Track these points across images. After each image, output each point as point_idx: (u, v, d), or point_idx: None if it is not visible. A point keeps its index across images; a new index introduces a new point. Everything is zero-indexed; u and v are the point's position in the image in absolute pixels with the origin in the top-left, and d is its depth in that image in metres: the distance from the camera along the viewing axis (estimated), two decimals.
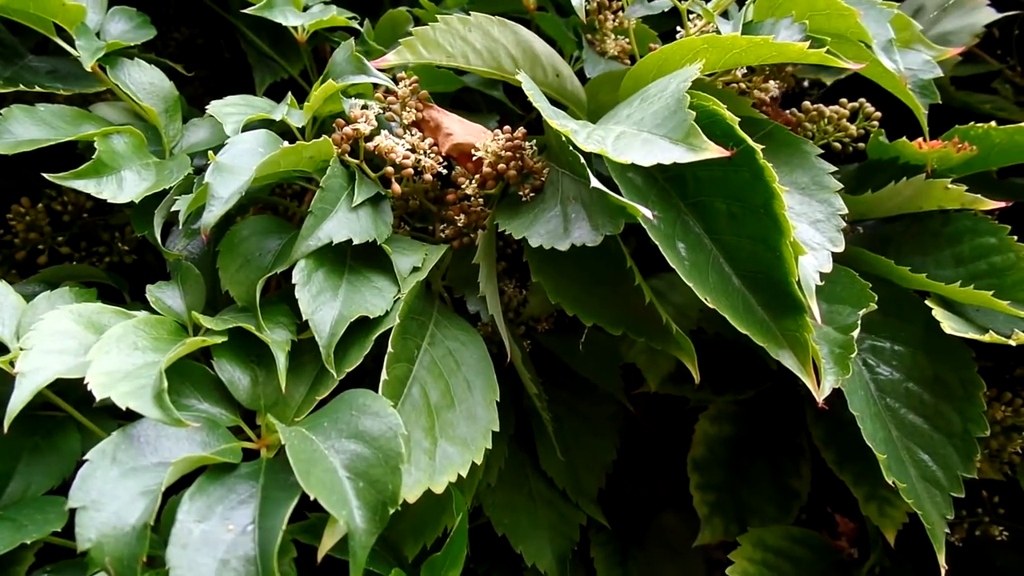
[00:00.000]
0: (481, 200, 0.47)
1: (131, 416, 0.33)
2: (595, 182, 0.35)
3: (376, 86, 0.48)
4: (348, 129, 0.44)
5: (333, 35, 0.62)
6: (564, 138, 0.37)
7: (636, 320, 0.41)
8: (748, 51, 0.41)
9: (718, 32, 0.47)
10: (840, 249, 0.38)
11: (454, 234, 0.48)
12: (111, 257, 0.57)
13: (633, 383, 0.56)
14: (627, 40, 0.60)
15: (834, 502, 0.56)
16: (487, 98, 0.56)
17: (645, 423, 0.65)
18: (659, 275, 0.51)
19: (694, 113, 0.34)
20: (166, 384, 0.33)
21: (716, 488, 0.54)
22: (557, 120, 0.38)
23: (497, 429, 0.40)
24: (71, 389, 0.40)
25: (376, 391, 0.37)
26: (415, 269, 0.43)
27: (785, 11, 0.45)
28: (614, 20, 0.60)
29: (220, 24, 0.75)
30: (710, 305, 0.35)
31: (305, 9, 0.59)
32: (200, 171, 0.51)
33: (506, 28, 0.47)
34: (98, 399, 0.32)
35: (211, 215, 0.37)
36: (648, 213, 0.33)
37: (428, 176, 0.46)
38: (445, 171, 0.47)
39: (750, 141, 0.35)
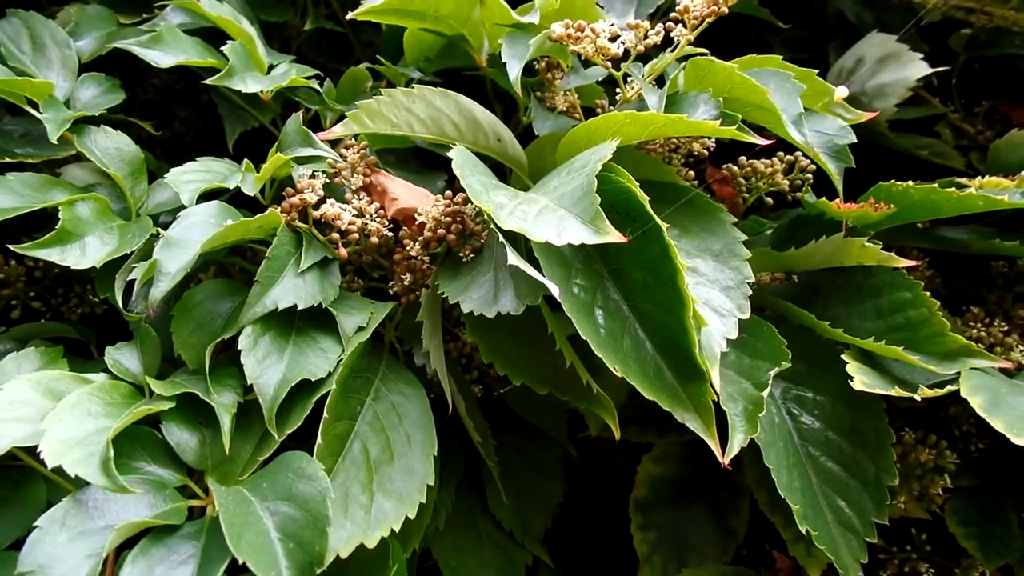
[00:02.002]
0: (426, 259, 0.50)
1: None
2: (512, 259, 0.38)
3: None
4: (295, 199, 0.47)
5: (297, 92, 0.65)
6: (487, 215, 0.40)
7: (561, 380, 0.44)
8: (666, 126, 0.44)
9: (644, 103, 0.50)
10: (746, 316, 0.41)
11: (402, 291, 0.51)
12: (83, 308, 0.60)
13: (582, 426, 0.59)
14: (576, 95, 0.63)
15: (772, 539, 0.58)
16: (437, 156, 0.59)
17: (616, 455, 0.68)
18: None
19: (599, 198, 0.36)
20: (112, 453, 0.35)
21: (657, 527, 0.56)
22: (483, 197, 0.41)
23: (432, 483, 0.43)
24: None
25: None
26: (360, 328, 0.46)
27: (707, 83, 0.48)
28: (562, 77, 0.63)
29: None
30: (618, 374, 0.38)
31: (270, 69, 0.62)
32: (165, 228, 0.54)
33: (448, 98, 0.50)
34: (50, 467, 0.35)
35: (158, 290, 0.40)
36: (555, 291, 0.36)
37: (374, 239, 0.49)
38: (391, 234, 0.50)
39: (657, 220, 0.38)
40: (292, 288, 0.44)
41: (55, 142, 0.50)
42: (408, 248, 0.49)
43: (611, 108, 0.60)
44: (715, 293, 0.41)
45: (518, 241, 0.42)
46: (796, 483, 0.45)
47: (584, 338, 0.38)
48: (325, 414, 0.40)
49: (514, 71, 0.50)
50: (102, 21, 0.61)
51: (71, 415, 0.38)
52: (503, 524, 0.55)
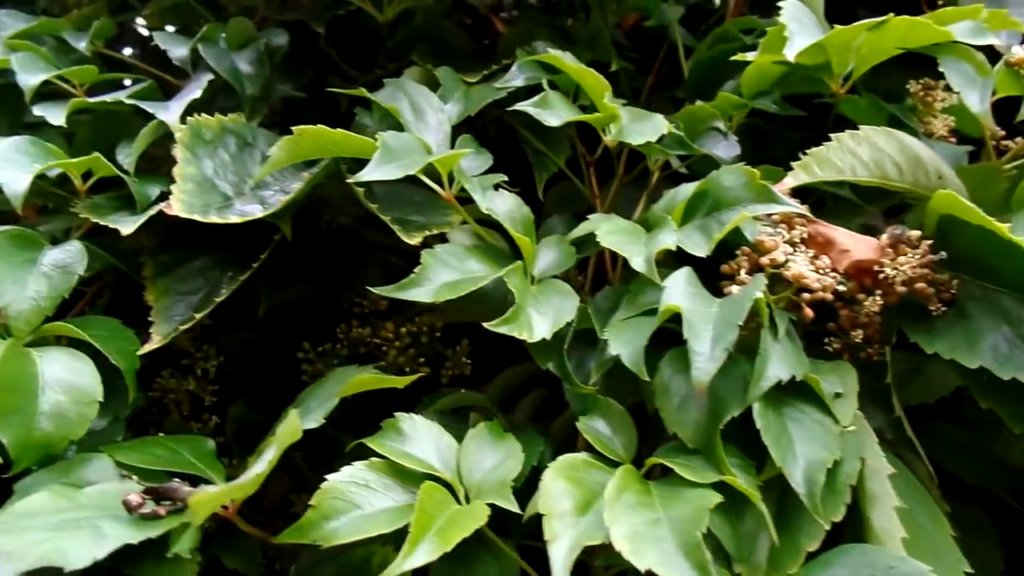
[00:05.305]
0: (875, 311, 0.46)
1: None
2: None
3: None
4: (765, 259, 0.44)
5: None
6: None
7: None
8: None
9: None
10: None
11: (843, 347, 0.47)
12: (453, 370, 0.60)
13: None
14: (952, 118, 0.58)
15: None
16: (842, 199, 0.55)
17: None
18: None
19: None
20: (708, 554, 0.33)
21: None
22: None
23: (971, 571, 0.38)
24: None
25: None
26: (837, 395, 0.43)
27: None
28: (942, 99, 0.58)
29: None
30: None
31: None
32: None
33: (891, 137, 0.47)
34: (641, 569, 0.33)
35: (704, 374, 0.37)
36: None
37: (828, 296, 0.45)
38: (844, 289, 0.46)
39: None
40: (784, 357, 0.41)
41: (484, 211, 0.49)
42: (868, 304, 0.45)
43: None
44: None
45: None
46: None
47: None
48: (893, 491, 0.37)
49: (981, 102, 0.45)
50: (456, 83, 0.61)
51: (621, 506, 0.36)
52: None
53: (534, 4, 0.92)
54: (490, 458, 0.44)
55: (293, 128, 0.47)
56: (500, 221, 0.51)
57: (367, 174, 0.44)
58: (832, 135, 0.46)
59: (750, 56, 0.53)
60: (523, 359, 0.64)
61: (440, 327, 0.59)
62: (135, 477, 0.39)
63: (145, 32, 0.88)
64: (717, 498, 0.36)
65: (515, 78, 0.60)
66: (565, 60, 0.58)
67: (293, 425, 0.38)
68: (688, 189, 0.51)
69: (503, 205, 0.53)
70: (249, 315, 0.66)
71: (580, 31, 0.78)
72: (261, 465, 0.34)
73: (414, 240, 0.48)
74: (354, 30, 0.81)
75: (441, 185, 0.52)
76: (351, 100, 0.73)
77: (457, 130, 0.58)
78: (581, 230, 0.51)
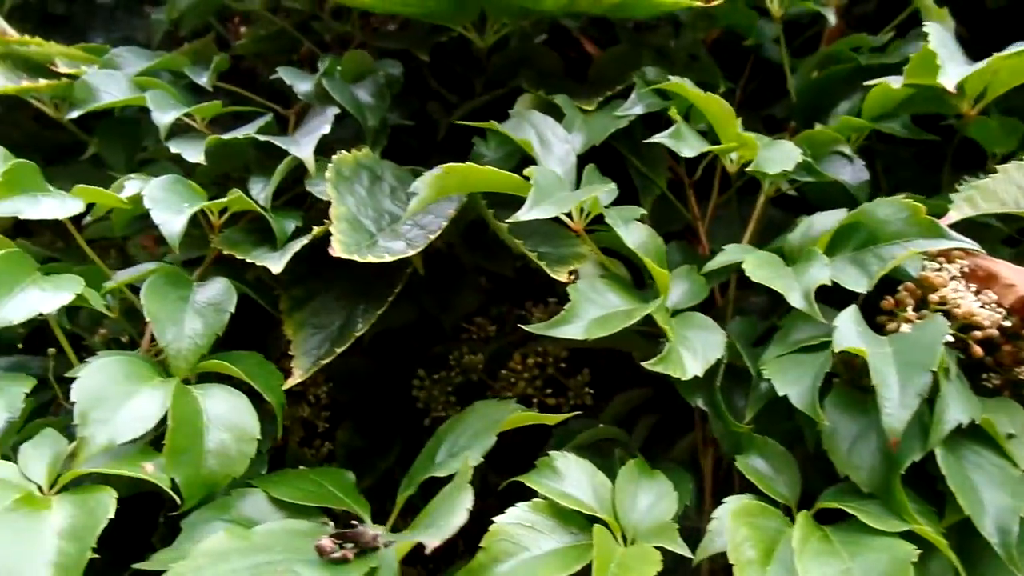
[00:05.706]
0: None
1: None
2: None
3: None
4: (934, 296, 0.43)
5: None
6: None
7: None
8: None
9: None
10: None
11: (1003, 383, 0.46)
12: (575, 400, 0.60)
13: None
14: None
15: None
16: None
17: None
18: None
19: None
20: None
21: None
22: None
23: None
24: None
25: None
26: (1011, 436, 0.41)
27: None
28: None
29: None
30: None
31: None
32: None
33: None
34: None
35: (897, 421, 0.36)
36: None
37: (996, 332, 0.44)
38: (1009, 324, 0.45)
39: None
40: (961, 400, 0.40)
41: (630, 244, 0.49)
42: None
43: None
44: None
45: None
46: None
47: None
48: None
49: None
50: (576, 112, 0.61)
51: (808, 556, 0.35)
52: None
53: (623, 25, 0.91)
54: (644, 498, 0.44)
55: (442, 166, 0.47)
56: (638, 254, 0.50)
57: (525, 214, 0.44)
58: (999, 167, 0.44)
59: (895, 83, 0.51)
60: (631, 385, 0.64)
61: (564, 356, 0.59)
62: (330, 524, 0.39)
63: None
64: (913, 549, 0.35)
65: (634, 106, 0.60)
66: (688, 88, 0.57)
67: (466, 467, 0.39)
68: (828, 220, 0.50)
69: (638, 237, 0.52)
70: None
71: (679, 52, 0.78)
72: (461, 517, 0.34)
73: (561, 276, 0.48)
74: (449, 55, 0.82)
75: (570, 216, 0.52)
76: (450, 126, 0.74)
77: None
78: (719, 262, 0.51)
